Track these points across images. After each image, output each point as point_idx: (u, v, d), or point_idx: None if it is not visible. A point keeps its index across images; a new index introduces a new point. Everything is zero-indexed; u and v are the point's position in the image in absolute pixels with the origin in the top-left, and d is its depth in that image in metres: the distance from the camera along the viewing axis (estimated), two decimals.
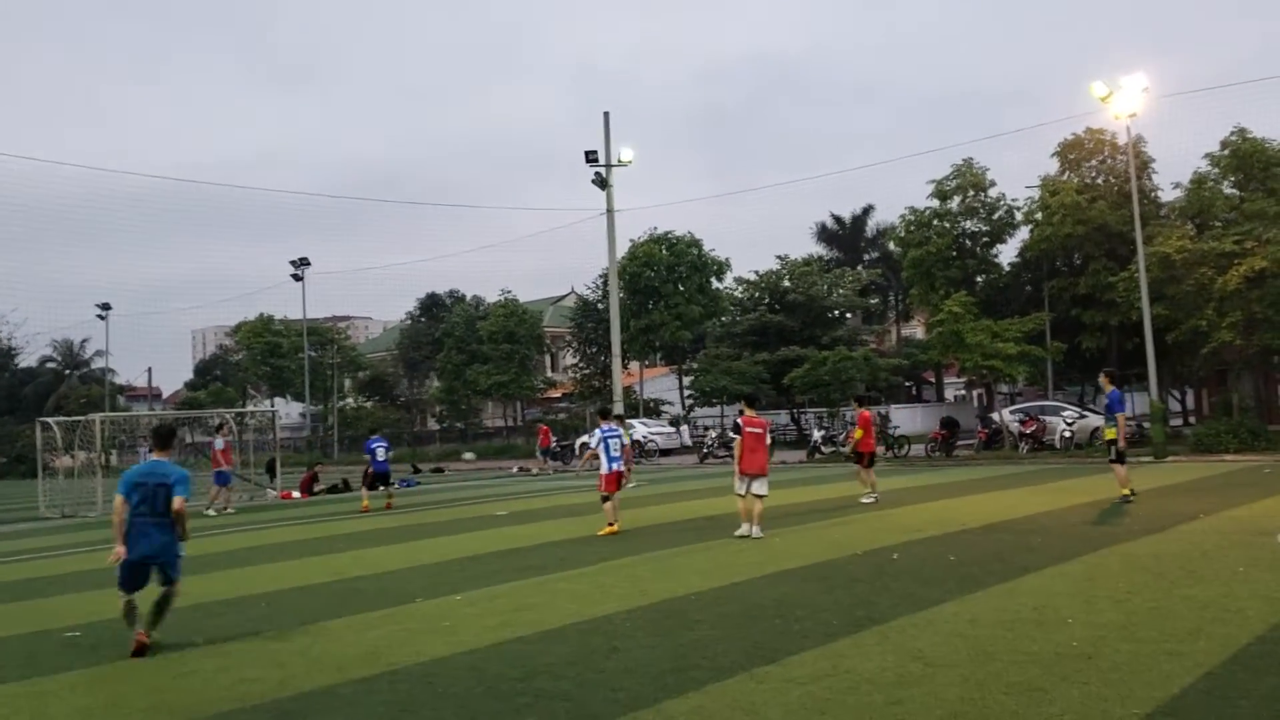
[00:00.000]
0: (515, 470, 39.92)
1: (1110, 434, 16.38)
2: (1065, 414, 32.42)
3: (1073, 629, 7.24)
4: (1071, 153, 37.76)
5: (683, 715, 5.63)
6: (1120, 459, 16.28)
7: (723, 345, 51.58)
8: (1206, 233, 32.40)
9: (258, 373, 68.38)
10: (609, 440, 15.34)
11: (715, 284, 52.25)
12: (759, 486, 13.39)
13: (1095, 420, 33.88)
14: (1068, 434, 31.21)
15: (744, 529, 13.42)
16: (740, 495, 13.56)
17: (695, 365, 50.97)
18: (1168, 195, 37.07)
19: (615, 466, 15.25)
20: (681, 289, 49.99)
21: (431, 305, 69.15)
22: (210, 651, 7.95)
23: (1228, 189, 34.50)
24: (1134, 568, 9.74)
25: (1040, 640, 6.96)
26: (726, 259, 51.79)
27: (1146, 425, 31.09)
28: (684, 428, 48.68)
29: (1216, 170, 34.43)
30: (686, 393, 51.67)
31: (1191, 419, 43.69)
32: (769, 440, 13.79)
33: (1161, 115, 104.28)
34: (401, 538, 16.10)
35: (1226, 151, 33.95)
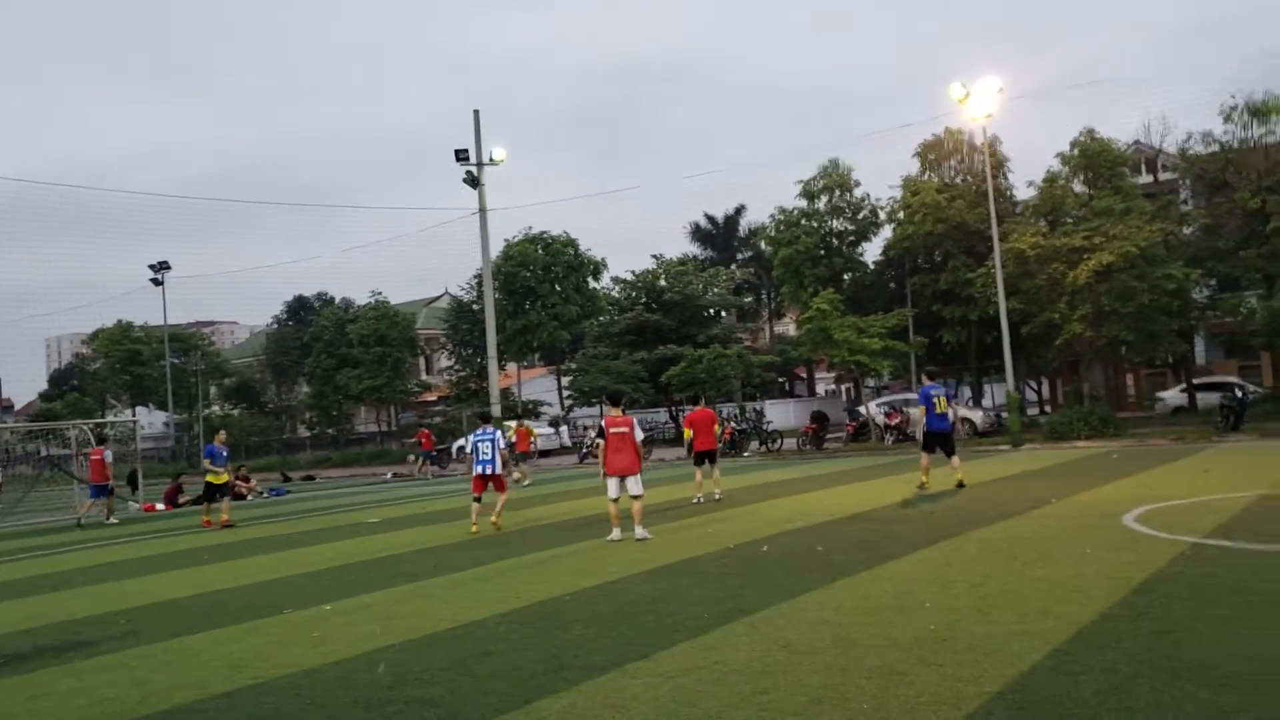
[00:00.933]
0: (389, 476, 39.29)
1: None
2: None
3: (930, 613, 7.52)
4: (931, 153, 39.16)
5: (555, 714, 5.66)
6: (928, 448, 17.56)
7: (601, 345, 51.77)
8: (1058, 229, 33.98)
9: (117, 382, 65.58)
10: (478, 444, 15.52)
11: (592, 284, 52.36)
12: (633, 486, 13.06)
13: (959, 411, 35.28)
14: None
15: (615, 534, 13.00)
16: (614, 500, 13.15)
17: (574, 365, 51.05)
18: (1023, 193, 38.81)
19: (480, 469, 15.40)
20: (558, 289, 49.88)
21: (299, 308, 67.41)
22: (65, 671, 7.62)
23: (1078, 187, 36.24)
24: (989, 552, 10.18)
25: (900, 625, 7.21)
26: (603, 259, 52.00)
27: (1005, 415, 32.45)
28: (563, 428, 48.69)
29: (1067, 169, 36.15)
30: (566, 393, 51.69)
31: (1048, 408, 45.77)
32: (640, 437, 13.50)
33: (1019, 116, 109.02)
34: (270, 548, 15.70)
35: (1076, 151, 35.67)
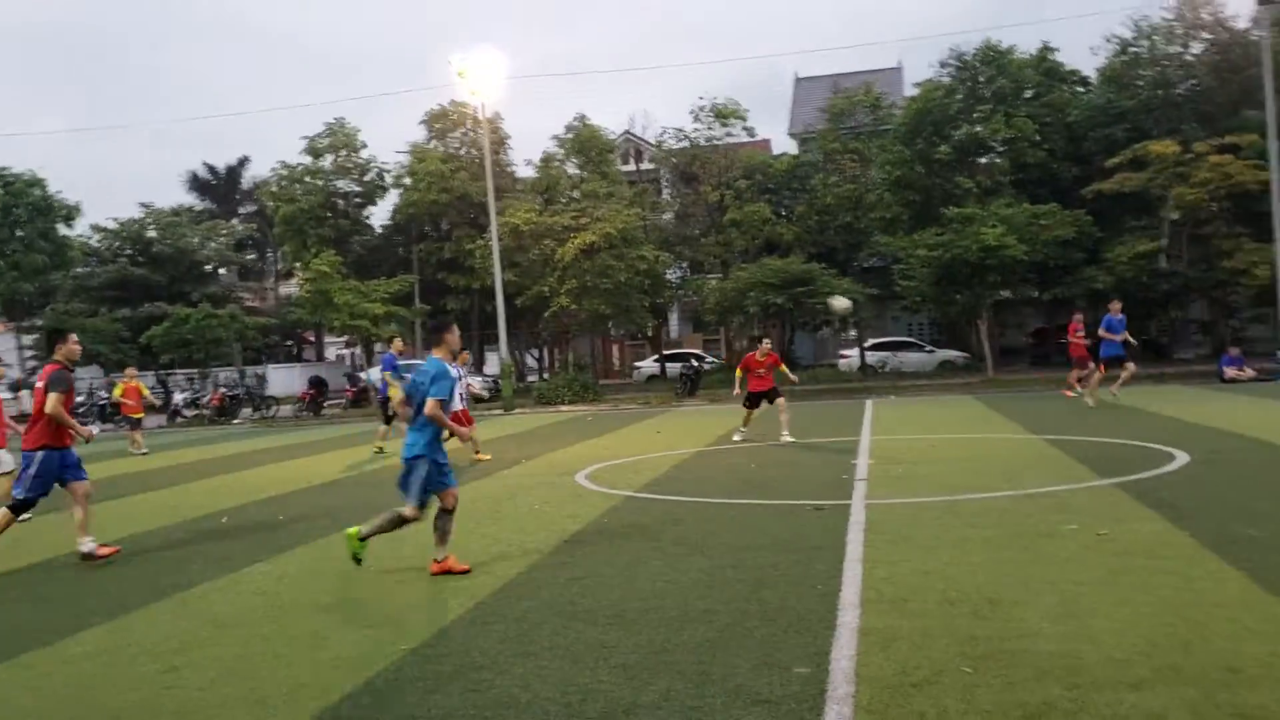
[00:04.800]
0: None
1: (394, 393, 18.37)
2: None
3: (372, 576, 7.61)
4: (438, 123, 39.70)
5: None
6: (387, 420, 18.14)
7: (76, 300, 46.52)
8: (553, 207, 36.03)
9: None
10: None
11: (64, 231, 46.77)
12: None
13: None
14: None
15: None
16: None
17: (41, 323, 45.39)
18: (525, 171, 40.63)
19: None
20: (20, 235, 44.00)
21: None
22: None
23: (572, 169, 38.63)
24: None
25: (341, 590, 7.27)
26: (78, 203, 46.61)
27: (501, 382, 33.93)
28: (24, 393, 43.11)
29: (562, 151, 38.39)
30: (30, 354, 45.85)
31: (546, 375, 48.54)
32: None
33: (525, 95, 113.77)
34: None
35: (571, 135, 37.99)
